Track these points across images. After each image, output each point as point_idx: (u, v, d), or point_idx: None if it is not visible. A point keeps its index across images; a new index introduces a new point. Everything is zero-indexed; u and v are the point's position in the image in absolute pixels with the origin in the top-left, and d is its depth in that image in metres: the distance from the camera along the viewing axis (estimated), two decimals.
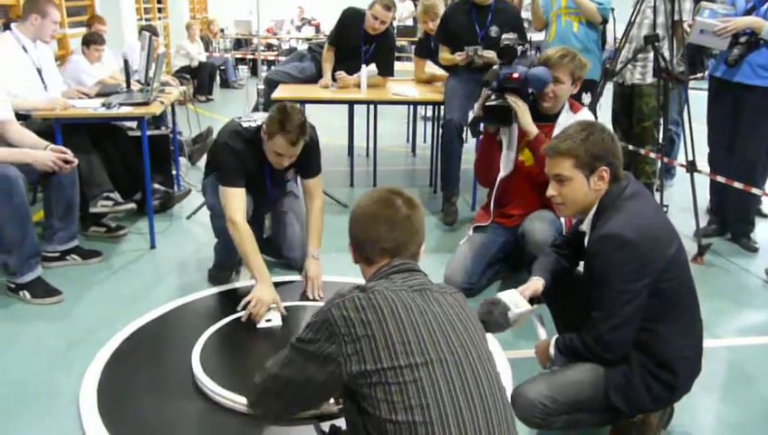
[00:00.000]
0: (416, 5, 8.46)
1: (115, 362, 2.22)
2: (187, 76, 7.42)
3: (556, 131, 2.46)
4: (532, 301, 1.89)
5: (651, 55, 3.56)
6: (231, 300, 2.68)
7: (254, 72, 10.26)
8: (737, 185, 3.26)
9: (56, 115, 3.06)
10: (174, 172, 4.10)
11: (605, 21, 3.83)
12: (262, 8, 4.81)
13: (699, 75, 4.31)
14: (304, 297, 2.70)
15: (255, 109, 4.42)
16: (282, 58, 8.08)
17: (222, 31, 11.42)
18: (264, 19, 8.35)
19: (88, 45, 4.52)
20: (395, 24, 6.80)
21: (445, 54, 3.82)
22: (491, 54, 3.52)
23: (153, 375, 2.16)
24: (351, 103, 4.51)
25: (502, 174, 2.83)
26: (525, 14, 5.50)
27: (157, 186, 3.80)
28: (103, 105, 3.19)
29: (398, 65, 4.58)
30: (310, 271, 2.75)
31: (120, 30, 6.74)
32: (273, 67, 6.70)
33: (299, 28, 12.24)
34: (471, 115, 3.15)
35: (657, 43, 3.40)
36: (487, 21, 3.67)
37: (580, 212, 1.82)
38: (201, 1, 12.38)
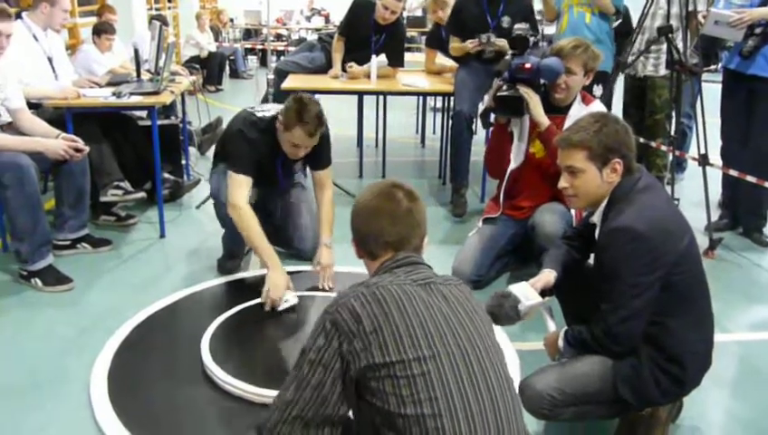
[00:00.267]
0: None
1: (125, 350, 2.24)
2: (197, 66, 7.41)
3: (568, 123, 2.43)
4: (543, 293, 1.88)
5: (664, 47, 3.50)
6: (239, 289, 2.70)
7: (263, 62, 10.25)
8: (750, 178, 3.23)
9: (68, 104, 3.07)
10: (183, 162, 4.11)
11: (618, 11, 3.78)
12: None
13: (713, 68, 4.25)
14: (315, 289, 2.70)
15: (265, 99, 4.42)
16: (291, 48, 8.07)
17: (231, 21, 11.40)
18: (273, 9, 8.34)
19: (98, 35, 4.53)
20: (405, 14, 6.75)
21: (455, 44, 3.79)
22: (502, 42, 3.48)
23: (163, 363, 2.18)
24: (361, 94, 4.49)
25: (512, 166, 2.81)
26: (537, 6, 5.45)
27: (166, 175, 3.82)
28: (114, 94, 3.20)
29: (407, 56, 4.55)
30: (322, 259, 2.75)
31: (130, 19, 6.74)
32: (282, 57, 6.69)
33: (308, 18, 12.21)
34: (481, 106, 3.14)
35: (670, 35, 3.35)
36: (499, 11, 3.64)
37: (592, 204, 1.80)
38: None
